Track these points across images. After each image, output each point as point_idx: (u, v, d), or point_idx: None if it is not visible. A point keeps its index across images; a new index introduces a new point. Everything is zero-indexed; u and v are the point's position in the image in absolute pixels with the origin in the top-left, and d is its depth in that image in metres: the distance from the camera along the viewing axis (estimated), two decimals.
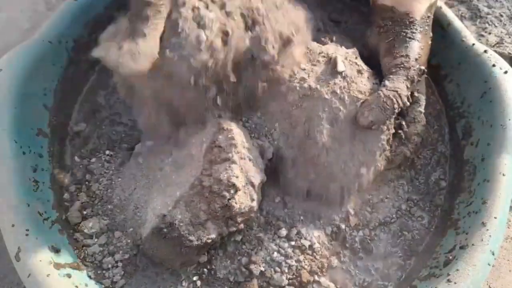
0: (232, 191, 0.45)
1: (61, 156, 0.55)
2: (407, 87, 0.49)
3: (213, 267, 0.48)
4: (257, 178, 0.47)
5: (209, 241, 0.45)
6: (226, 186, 0.45)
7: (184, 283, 0.47)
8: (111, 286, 0.46)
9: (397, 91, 0.48)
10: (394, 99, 0.47)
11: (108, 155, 0.55)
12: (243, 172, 0.46)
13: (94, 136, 0.57)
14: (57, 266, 0.42)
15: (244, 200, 0.46)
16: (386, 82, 0.49)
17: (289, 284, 0.47)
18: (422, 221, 0.52)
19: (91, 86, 0.61)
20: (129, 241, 0.49)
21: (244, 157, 0.47)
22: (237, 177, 0.45)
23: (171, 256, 0.46)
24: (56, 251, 0.44)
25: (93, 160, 0.55)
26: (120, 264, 0.48)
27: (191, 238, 0.44)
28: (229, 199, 0.45)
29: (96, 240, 0.49)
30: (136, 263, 0.48)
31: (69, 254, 0.46)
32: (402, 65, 0.50)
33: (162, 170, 0.50)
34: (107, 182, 0.53)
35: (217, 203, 0.45)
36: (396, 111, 0.48)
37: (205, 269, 0.48)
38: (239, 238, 0.50)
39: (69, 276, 0.42)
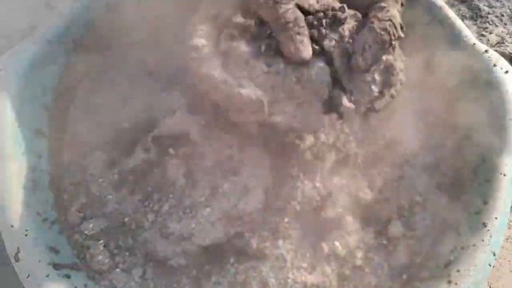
0: (244, 190, 0.46)
1: (60, 156, 0.55)
2: (399, 12, 0.45)
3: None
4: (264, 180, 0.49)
5: (216, 241, 0.45)
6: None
7: (187, 284, 0.47)
8: (110, 287, 0.46)
9: (391, 20, 0.43)
10: (391, 30, 0.43)
11: (106, 155, 0.55)
12: None
13: (92, 136, 0.57)
14: (57, 266, 0.42)
15: (253, 200, 0.47)
16: (377, 12, 0.45)
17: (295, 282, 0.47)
18: (423, 221, 0.52)
19: (89, 86, 0.61)
20: (130, 242, 0.49)
21: None
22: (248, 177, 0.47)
23: (177, 257, 0.46)
24: (56, 251, 0.44)
25: (92, 160, 0.55)
26: (120, 265, 0.48)
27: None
28: (238, 199, 0.46)
29: (96, 241, 0.49)
30: (137, 264, 0.48)
31: (68, 254, 0.46)
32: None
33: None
34: (106, 183, 0.53)
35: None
36: (393, 43, 0.45)
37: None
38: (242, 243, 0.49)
39: (68, 276, 0.42)
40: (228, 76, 0.44)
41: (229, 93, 0.44)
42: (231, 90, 0.44)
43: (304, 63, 0.45)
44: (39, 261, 0.41)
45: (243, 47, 0.45)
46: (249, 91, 0.44)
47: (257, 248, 0.49)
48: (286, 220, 0.50)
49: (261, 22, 0.46)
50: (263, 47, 0.45)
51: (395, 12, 0.44)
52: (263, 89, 0.44)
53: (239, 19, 0.46)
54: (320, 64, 0.45)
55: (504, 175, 0.46)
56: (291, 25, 0.43)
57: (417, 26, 0.59)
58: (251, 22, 0.46)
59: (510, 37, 0.85)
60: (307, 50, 0.44)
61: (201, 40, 0.46)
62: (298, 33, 0.43)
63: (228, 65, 0.45)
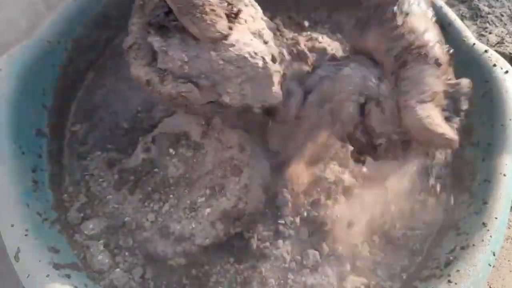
0: (244, 190, 0.46)
1: (60, 156, 0.55)
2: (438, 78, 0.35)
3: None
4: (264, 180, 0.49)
5: (216, 241, 0.45)
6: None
7: (187, 284, 0.47)
8: (110, 287, 0.46)
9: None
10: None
11: (106, 155, 0.55)
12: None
13: (92, 136, 0.57)
14: (57, 266, 0.42)
15: (253, 200, 0.47)
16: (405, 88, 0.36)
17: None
18: (423, 221, 0.52)
19: (89, 86, 0.62)
20: (130, 242, 0.49)
21: None
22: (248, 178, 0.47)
23: (178, 257, 0.47)
24: (56, 251, 0.44)
25: (92, 160, 0.55)
26: (120, 265, 0.48)
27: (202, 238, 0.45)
28: (238, 199, 0.46)
29: (96, 241, 0.49)
30: (137, 264, 0.48)
31: (68, 254, 0.46)
32: (416, 49, 0.36)
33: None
34: (106, 183, 0.53)
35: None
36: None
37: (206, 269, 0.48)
38: (241, 243, 0.49)
39: (68, 276, 0.42)
40: (152, 75, 0.41)
41: (156, 92, 0.41)
42: (155, 89, 0.41)
43: (221, 40, 0.40)
44: (39, 261, 0.41)
45: (158, 39, 0.41)
46: (170, 88, 0.40)
47: (257, 248, 0.49)
48: (286, 220, 0.50)
49: (169, 9, 0.41)
50: (176, 35, 0.41)
51: (435, 82, 0.35)
52: (194, 78, 0.41)
53: (150, 6, 0.42)
54: (239, 37, 0.41)
55: (504, 175, 0.46)
56: (184, 9, 0.38)
57: None
58: (159, 11, 0.41)
59: (510, 37, 0.85)
60: (212, 27, 0.39)
61: (131, 37, 0.43)
62: (200, 13, 0.38)
63: (156, 60, 0.42)
